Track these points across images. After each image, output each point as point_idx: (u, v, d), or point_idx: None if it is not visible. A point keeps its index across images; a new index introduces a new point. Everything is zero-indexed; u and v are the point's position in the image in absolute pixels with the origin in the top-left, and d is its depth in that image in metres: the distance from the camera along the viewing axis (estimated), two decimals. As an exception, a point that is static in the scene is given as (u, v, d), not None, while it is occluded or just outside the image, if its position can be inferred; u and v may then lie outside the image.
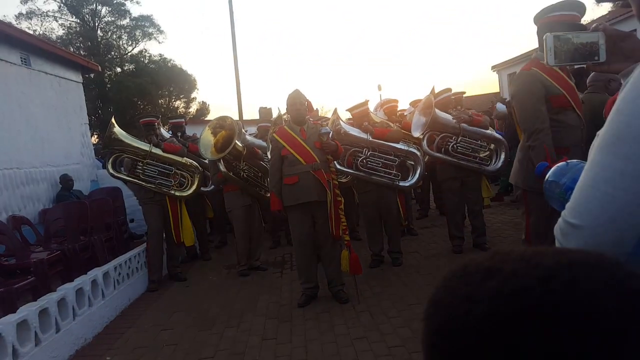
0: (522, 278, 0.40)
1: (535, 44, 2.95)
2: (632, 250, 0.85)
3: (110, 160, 5.10)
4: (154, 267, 5.25)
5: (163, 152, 5.23)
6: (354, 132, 4.83)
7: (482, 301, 0.41)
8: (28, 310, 3.17)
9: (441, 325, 0.43)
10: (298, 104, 4.16)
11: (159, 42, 32.11)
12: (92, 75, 18.01)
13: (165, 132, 6.32)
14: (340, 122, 4.85)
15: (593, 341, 0.37)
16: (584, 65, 1.05)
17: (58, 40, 21.67)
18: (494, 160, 5.07)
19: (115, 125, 5.08)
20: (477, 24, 64.76)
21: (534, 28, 2.80)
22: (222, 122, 5.23)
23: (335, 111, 5.01)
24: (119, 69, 23.99)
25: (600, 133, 0.86)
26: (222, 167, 5.06)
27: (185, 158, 5.39)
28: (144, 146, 5.14)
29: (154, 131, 5.33)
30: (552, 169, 1.27)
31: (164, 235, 5.35)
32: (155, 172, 5.19)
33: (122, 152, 5.12)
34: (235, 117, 11.42)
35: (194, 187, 5.37)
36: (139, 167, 5.13)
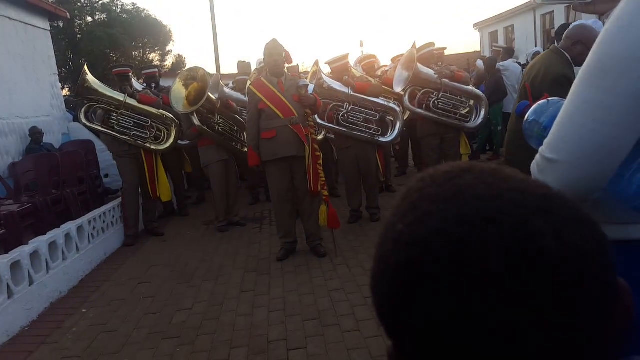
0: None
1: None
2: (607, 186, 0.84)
3: (82, 110, 4.91)
4: (130, 221, 5.17)
5: (138, 103, 5.05)
6: (336, 85, 4.74)
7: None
8: (-1, 263, 3.11)
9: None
10: (275, 55, 4.01)
11: (132, -10, 30.57)
12: (61, 24, 17.16)
13: (138, 85, 6.10)
14: (322, 75, 4.74)
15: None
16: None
17: (23, -14, 20.44)
18: (473, 117, 5.06)
19: (88, 72, 4.87)
20: (461, -20, 63.50)
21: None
22: (194, 73, 5.03)
23: (316, 63, 4.88)
24: (89, 18, 22.86)
25: (583, 65, 0.83)
26: (195, 121, 4.91)
27: (161, 110, 5.23)
28: (119, 96, 4.95)
29: (127, 82, 5.13)
30: (533, 107, 1.24)
31: (140, 190, 5.25)
32: (131, 123, 5.02)
33: (95, 102, 4.93)
34: (213, 71, 11.11)
35: (170, 140, 5.23)
36: (113, 118, 4.95)
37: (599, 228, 0.39)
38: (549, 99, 1.22)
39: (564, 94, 1.13)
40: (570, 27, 3.11)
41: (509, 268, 0.35)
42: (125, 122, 5.00)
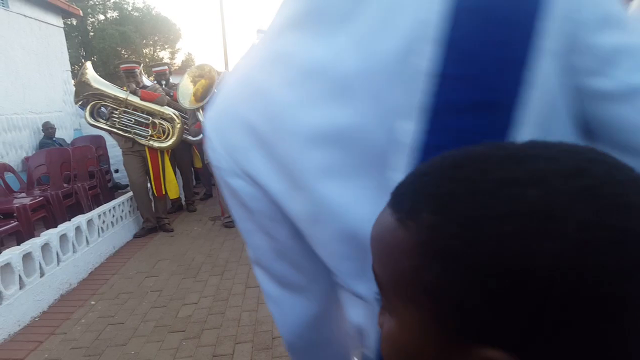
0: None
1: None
2: None
3: (87, 108, 4.95)
4: (144, 215, 5.26)
5: (140, 100, 5.05)
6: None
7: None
8: (12, 254, 3.18)
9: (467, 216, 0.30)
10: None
11: (143, -11, 30.77)
12: (74, 22, 17.36)
13: (147, 81, 6.14)
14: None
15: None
16: None
17: (37, -17, 20.66)
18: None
19: (89, 68, 4.87)
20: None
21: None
22: (201, 70, 5.07)
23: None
24: (102, 16, 23.11)
25: None
26: (200, 117, 4.96)
27: (165, 107, 5.23)
28: (121, 93, 4.95)
29: (134, 78, 5.12)
30: None
31: (148, 186, 5.29)
32: (132, 121, 5.03)
33: (99, 99, 4.93)
34: (222, 68, 11.18)
35: (173, 138, 5.20)
36: (115, 116, 4.98)
37: None
38: None
39: None
40: None
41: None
42: (127, 119, 5.01)
